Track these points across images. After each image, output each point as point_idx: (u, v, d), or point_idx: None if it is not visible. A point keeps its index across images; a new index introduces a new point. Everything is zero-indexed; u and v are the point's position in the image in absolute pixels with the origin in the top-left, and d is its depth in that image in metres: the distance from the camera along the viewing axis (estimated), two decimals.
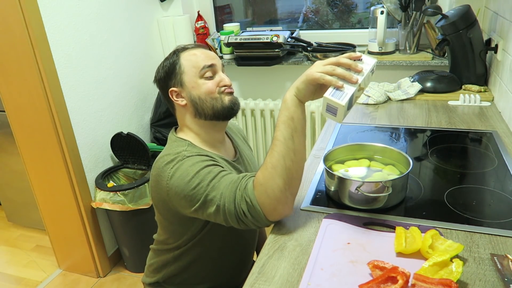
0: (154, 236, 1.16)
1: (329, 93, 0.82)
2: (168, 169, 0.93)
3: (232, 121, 1.23)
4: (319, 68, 0.84)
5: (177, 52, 1.05)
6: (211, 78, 1.02)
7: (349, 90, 0.82)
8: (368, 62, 0.85)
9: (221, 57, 2.31)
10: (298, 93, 0.86)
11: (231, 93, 1.05)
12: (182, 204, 0.92)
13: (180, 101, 1.03)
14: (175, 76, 1.03)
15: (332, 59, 0.84)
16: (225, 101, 1.03)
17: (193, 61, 1.02)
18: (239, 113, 2.39)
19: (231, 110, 1.04)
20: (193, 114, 1.03)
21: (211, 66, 1.02)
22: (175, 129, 1.10)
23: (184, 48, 1.05)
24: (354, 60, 0.84)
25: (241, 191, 0.87)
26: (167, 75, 1.04)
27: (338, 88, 0.82)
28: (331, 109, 0.83)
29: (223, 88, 1.03)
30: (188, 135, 1.05)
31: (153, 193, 1.02)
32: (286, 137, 0.85)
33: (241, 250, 1.16)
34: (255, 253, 1.28)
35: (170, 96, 1.04)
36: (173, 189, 0.92)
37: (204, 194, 0.88)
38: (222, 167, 0.95)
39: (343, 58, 0.84)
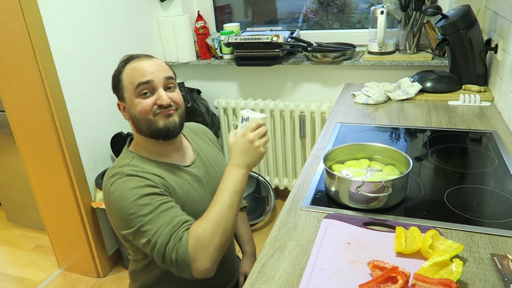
0: None
1: (245, 112, 0.99)
2: (110, 183, 0.93)
3: (197, 124, 1.20)
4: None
5: (122, 63, 1.00)
6: (149, 95, 0.96)
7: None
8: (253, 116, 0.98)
9: (221, 57, 2.31)
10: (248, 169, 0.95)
11: (168, 115, 0.97)
12: (118, 223, 0.92)
13: (125, 115, 1.02)
14: (118, 91, 1.00)
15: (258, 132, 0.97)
16: (159, 124, 0.96)
17: (130, 76, 0.96)
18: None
19: (165, 134, 0.98)
20: (135, 129, 1.01)
21: (147, 83, 0.95)
22: (131, 139, 1.07)
23: (127, 60, 1.00)
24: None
25: (175, 240, 0.86)
26: (114, 87, 1.02)
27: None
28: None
29: (158, 110, 0.96)
30: (136, 147, 1.03)
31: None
32: (232, 204, 0.91)
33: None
34: (240, 265, 1.22)
35: (118, 108, 1.03)
36: (111, 206, 0.92)
37: (139, 223, 0.88)
38: (164, 194, 0.93)
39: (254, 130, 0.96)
